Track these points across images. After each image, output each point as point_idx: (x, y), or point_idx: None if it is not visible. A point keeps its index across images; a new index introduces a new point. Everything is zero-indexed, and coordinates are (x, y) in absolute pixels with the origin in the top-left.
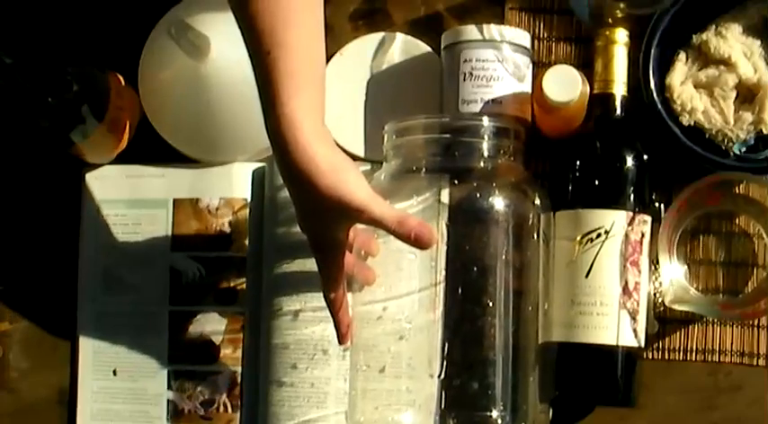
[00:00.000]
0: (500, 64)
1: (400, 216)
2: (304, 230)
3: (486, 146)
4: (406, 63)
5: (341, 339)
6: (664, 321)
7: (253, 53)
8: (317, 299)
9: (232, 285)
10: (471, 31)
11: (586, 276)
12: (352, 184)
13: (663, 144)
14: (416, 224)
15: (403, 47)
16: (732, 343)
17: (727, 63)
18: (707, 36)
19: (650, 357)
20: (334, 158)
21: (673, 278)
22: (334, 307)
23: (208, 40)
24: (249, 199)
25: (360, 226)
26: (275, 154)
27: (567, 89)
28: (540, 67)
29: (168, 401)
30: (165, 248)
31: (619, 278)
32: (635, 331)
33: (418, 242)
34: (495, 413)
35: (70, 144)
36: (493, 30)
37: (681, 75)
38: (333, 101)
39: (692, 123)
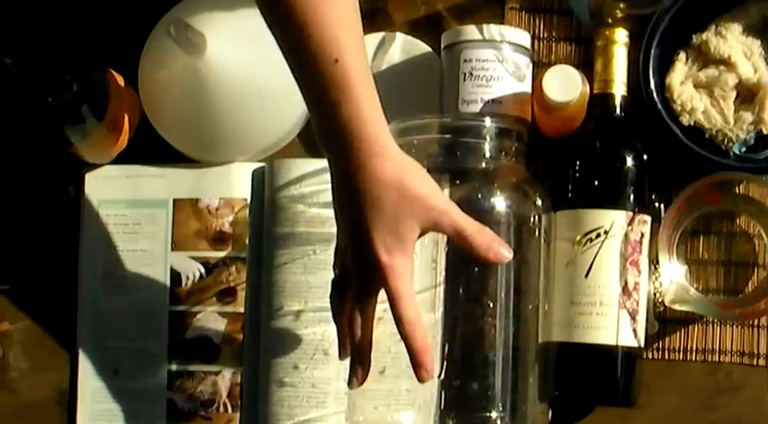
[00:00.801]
0: (500, 64)
1: (478, 225)
2: (370, 238)
3: (487, 147)
4: (406, 63)
5: (361, 378)
6: (664, 321)
7: (310, 61)
8: (317, 299)
9: (232, 285)
10: (471, 31)
11: (586, 276)
12: (436, 187)
13: (663, 144)
14: (494, 235)
15: (403, 47)
16: (732, 343)
17: (727, 63)
18: (707, 36)
19: (650, 357)
20: (416, 163)
21: (673, 278)
22: (369, 341)
23: (208, 40)
24: (249, 199)
25: None
26: (351, 162)
27: (567, 89)
28: (540, 67)
29: (168, 401)
30: (165, 248)
31: (618, 278)
32: (635, 330)
33: (495, 256)
34: (494, 414)
35: (70, 144)
36: (493, 30)
37: (681, 75)
38: None
39: (692, 123)
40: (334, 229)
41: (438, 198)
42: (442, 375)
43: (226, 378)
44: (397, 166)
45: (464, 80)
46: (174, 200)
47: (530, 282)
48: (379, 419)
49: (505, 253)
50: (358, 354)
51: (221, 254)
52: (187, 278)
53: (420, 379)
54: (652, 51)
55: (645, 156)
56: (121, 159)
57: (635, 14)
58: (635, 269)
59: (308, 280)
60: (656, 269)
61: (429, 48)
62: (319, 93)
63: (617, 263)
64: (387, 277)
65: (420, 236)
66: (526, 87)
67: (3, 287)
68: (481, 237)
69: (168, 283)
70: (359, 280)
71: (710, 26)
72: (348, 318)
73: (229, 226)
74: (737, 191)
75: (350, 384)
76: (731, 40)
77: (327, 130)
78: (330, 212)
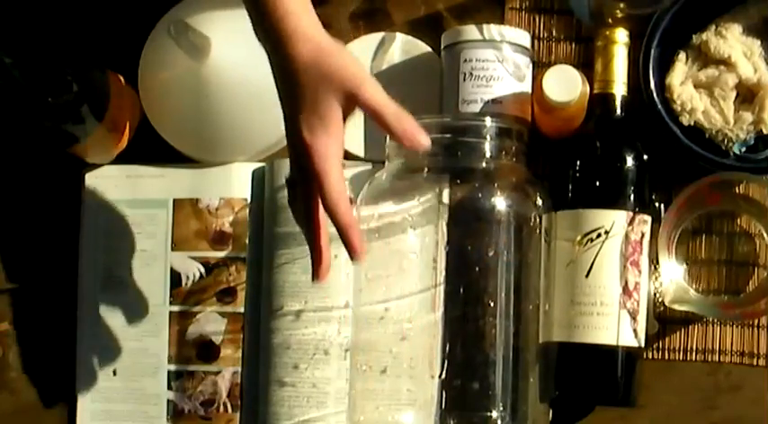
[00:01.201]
0: (500, 64)
1: (400, 109)
2: (296, 122)
3: (488, 147)
4: (406, 63)
5: (318, 273)
6: (664, 321)
7: None
8: (317, 299)
9: (232, 285)
10: (471, 31)
11: (586, 276)
12: (357, 63)
13: (663, 144)
14: (414, 124)
15: (403, 47)
16: (732, 343)
17: (727, 63)
18: (707, 36)
19: (650, 357)
20: (339, 44)
21: (673, 278)
22: (317, 229)
23: (208, 40)
24: (249, 199)
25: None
26: (273, 48)
27: (567, 89)
28: (540, 67)
29: (168, 401)
30: (165, 248)
31: (619, 278)
32: (635, 331)
33: (410, 143)
34: (495, 414)
35: (70, 144)
36: (493, 30)
37: (681, 74)
38: None
39: (692, 123)
40: (334, 229)
41: (355, 72)
42: (443, 375)
43: (226, 378)
44: (314, 46)
45: (464, 80)
46: (174, 200)
47: (530, 282)
48: (379, 419)
49: (422, 141)
50: (311, 246)
51: (221, 254)
52: (187, 277)
53: (351, 258)
54: (652, 51)
55: (645, 156)
56: (121, 159)
57: (635, 14)
58: (635, 269)
59: (308, 280)
60: (656, 269)
61: (429, 48)
62: None
63: (617, 263)
64: (310, 156)
65: (346, 116)
66: (526, 87)
67: (4, 287)
68: (398, 121)
69: (168, 283)
70: (295, 167)
71: (710, 26)
72: (303, 214)
73: (229, 226)
74: (737, 191)
75: (312, 278)
76: (731, 40)
77: (254, 22)
78: None
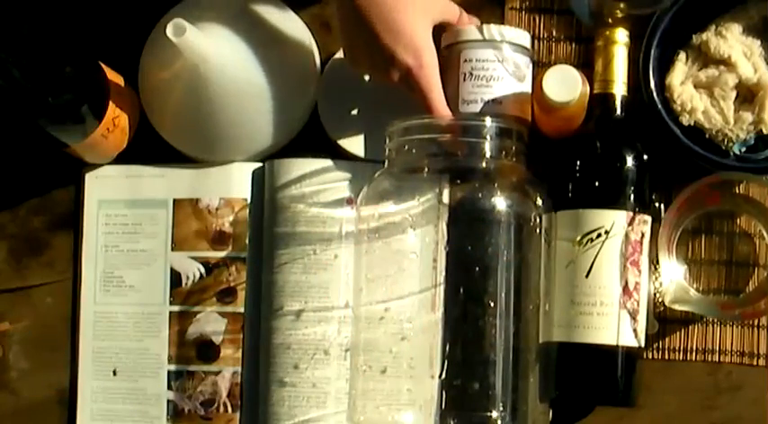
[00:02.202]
0: (500, 64)
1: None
2: (386, 54)
3: (488, 147)
4: None
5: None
6: (664, 321)
7: None
8: (317, 299)
9: (232, 285)
10: (471, 31)
11: (586, 276)
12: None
13: (663, 144)
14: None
15: None
16: (732, 343)
17: (727, 63)
18: (707, 36)
19: (650, 357)
20: None
21: (673, 278)
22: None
23: (207, 40)
24: (249, 199)
25: None
26: None
27: (567, 89)
28: (540, 67)
29: (168, 401)
30: (165, 248)
31: (619, 278)
32: (635, 331)
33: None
34: (495, 414)
35: (70, 144)
36: (493, 30)
37: (681, 74)
38: (333, 101)
39: (692, 123)
40: (335, 229)
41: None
42: (443, 375)
43: (226, 378)
44: None
45: (464, 80)
46: (174, 200)
47: (530, 282)
48: (380, 419)
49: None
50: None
51: (221, 254)
52: (187, 277)
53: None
54: (652, 51)
55: (645, 156)
56: (121, 159)
57: (635, 14)
58: (635, 269)
59: (308, 280)
60: (656, 269)
61: None
62: None
63: (617, 263)
64: (413, 75)
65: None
66: (526, 87)
67: (3, 288)
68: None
69: (168, 283)
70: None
71: (710, 26)
72: None
73: (229, 226)
74: (737, 191)
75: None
76: (731, 40)
77: None
78: (330, 212)
